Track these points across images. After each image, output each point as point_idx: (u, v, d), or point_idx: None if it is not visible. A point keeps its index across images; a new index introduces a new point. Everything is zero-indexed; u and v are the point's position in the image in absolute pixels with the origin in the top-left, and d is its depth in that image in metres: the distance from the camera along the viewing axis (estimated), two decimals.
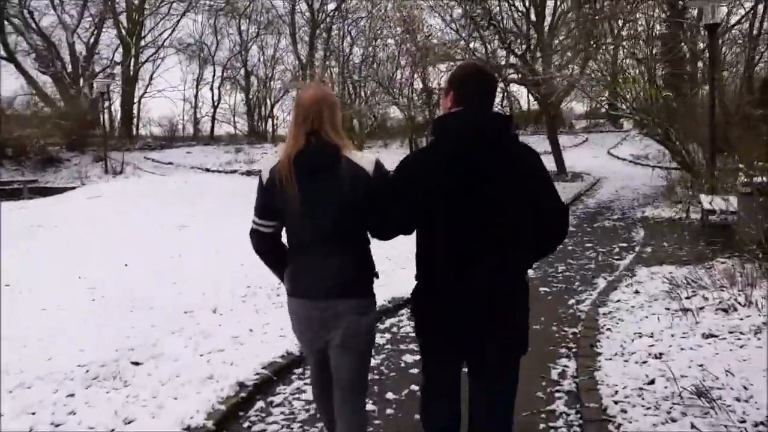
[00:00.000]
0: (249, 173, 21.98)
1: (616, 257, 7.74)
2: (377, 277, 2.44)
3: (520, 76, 19.66)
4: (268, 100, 33.10)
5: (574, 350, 4.46)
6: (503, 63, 20.08)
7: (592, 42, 16.67)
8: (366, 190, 2.25)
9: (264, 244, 2.44)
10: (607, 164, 21.66)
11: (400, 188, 2.23)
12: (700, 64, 16.14)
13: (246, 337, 4.70)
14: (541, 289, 6.26)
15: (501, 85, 28.24)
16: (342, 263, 2.31)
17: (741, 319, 4.58)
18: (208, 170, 22.29)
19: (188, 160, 24.02)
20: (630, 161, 21.85)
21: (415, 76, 18.48)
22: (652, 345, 4.33)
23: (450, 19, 19.25)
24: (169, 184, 16.82)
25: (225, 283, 6.40)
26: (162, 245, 8.81)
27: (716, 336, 4.35)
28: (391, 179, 2.28)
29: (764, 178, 6.86)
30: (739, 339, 4.25)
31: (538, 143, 27.27)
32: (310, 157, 2.26)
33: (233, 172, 21.58)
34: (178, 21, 30.46)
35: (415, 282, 2.32)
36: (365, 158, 2.32)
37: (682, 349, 4.18)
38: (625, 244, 8.56)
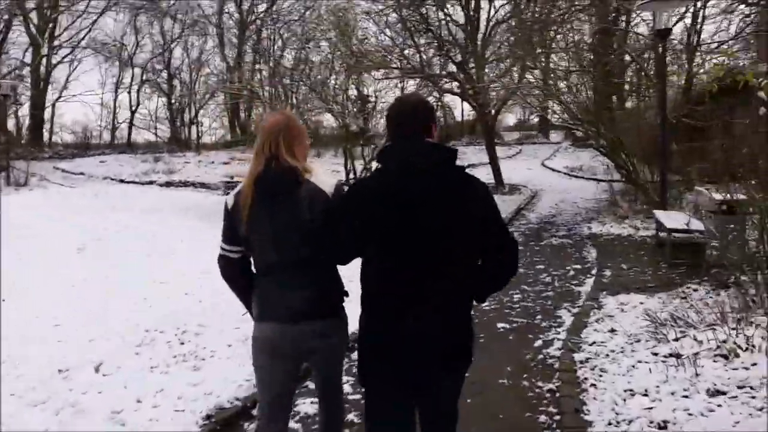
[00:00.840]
0: (169, 184, 20.38)
1: (573, 282, 7.00)
2: (347, 296, 2.47)
3: (457, 84, 19.11)
4: (192, 106, 31.28)
5: (557, 418, 3.57)
6: (440, 72, 19.52)
7: (530, 51, 16.40)
8: (322, 212, 2.27)
9: (231, 270, 2.46)
10: (543, 176, 21.42)
11: (338, 216, 2.23)
12: (630, 72, 16.07)
13: (128, 414, 3.54)
14: (499, 325, 5.38)
15: (435, 94, 27.87)
16: (307, 285, 2.34)
17: (747, 368, 3.82)
18: (122, 181, 20.49)
19: (102, 170, 22.14)
20: (565, 173, 21.69)
21: (350, 82, 17.51)
22: (651, 407, 3.51)
23: (384, 25, 18.50)
24: (75, 197, 15.10)
25: (118, 325, 5.18)
26: (53, 274, 7.40)
27: (724, 393, 3.57)
28: (334, 206, 2.28)
29: (732, 194, 6.30)
30: (753, 397, 3.49)
31: (473, 154, 26.97)
32: (268, 182, 2.30)
33: (151, 183, 19.92)
34: (96, 19, 28.37)
35: (359, 316, 2.27)
36: (326, 181, 2.35)
37: (689, 414, 3.37)
38: (579, 266, 7.86)
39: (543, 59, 17.32)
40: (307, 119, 25.24)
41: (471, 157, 25.94)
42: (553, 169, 22.89)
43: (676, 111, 13.46)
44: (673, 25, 14.80)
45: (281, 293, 2.34)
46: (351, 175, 16.60)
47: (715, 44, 14.85)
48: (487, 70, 19.25)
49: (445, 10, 18.17)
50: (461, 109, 32.45)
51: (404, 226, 2.11)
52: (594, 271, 7.44)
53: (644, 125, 13.47)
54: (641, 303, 5.65)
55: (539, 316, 5.66)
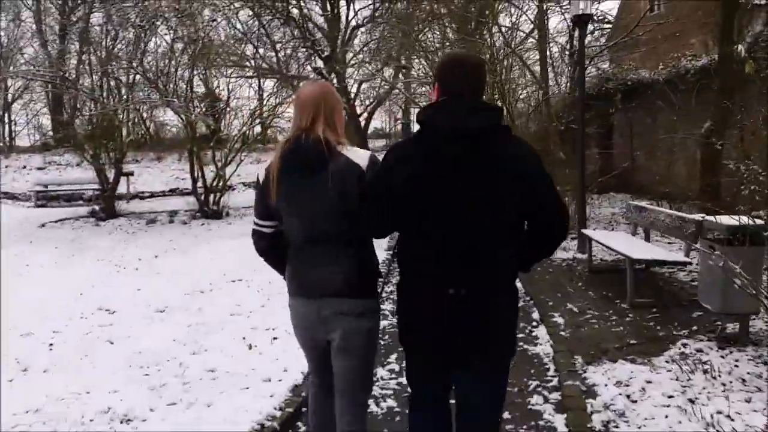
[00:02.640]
0: None
1: (521, 336, 4.98)
2: (381, 277, 2.37)
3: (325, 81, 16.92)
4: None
5: None
6: (300, 71, 17.20)
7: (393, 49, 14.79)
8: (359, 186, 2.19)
9: (264, 245, 2.43)
10: None
11: (374, 187, 2.10)
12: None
13: None
14: None
15: (293, 96, 25.40)
16: (336, 262, 2.25)
17: None
18: None
19: None
20: None
21: (194, 73, 14.56)
22: None
23: (236, 19, 15.77)
24: None
25: None
26: None
27: None
28: (370, 178, 2.17)
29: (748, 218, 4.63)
30: None
31: None
32: (298, 155, 2.23)
33: None
34: None
35: (397, 287, 2.20)
36: (360, 154, 2.26)
37: None
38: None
39: (405, 62, 15.93)
40: (146, 118, 21.70)
41: None
42: None
43: (559, 117, 12.36)
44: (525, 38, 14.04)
45: (310, 268, 2.28)
46: (199, 184, 13.65)
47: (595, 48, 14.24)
48: (352, 70, 17.36)
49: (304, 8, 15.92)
50: None
51: (452, 195, 1.97)
52: (536, 315, 5.50)
53: (530, 131, 12.25)
54: (648, 383, 3.73)
55: (508, 414, 3.50)
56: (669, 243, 7.82)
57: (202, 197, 13.77)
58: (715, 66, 9.75)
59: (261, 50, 16.91)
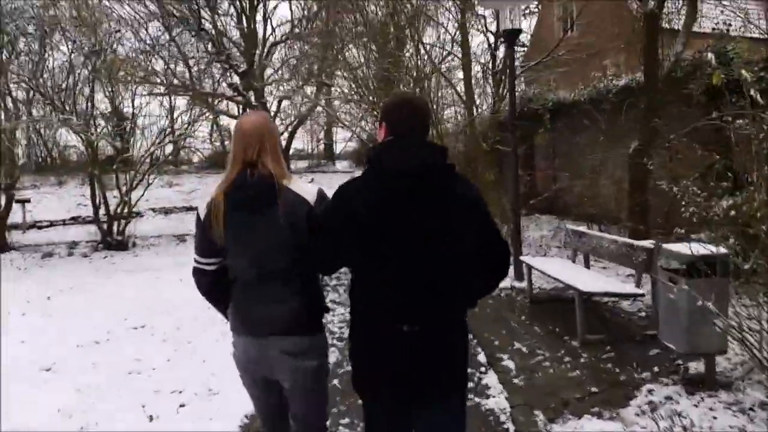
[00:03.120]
0: None
1: (477, 387, 4.41)
2: (327, 311, 2.34)
3: (240, 100, 16.00)
4: None
5: None
6: (215, 88, 16.26)
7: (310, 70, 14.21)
8: (308, 222, 2.17)
9: (206, 283, 2.37)
10: None
11: (324, 223, 2.09)
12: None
13: None
14: None
15: (209, 116, 24.30)
16: (283, 299, 2.20)
17: None
18: None
19: None
20: None
21: (99, 90, 13.33)
22: None
23: (145, 32, 14.64)
24: None
25: None
26: None
27: None
28: (322, 211, 2.16)
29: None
30: None
31: None
32: (245, 192, 2.17)
33: None
34: None
35: (350, 329, 2.18)
36: (307, 188, 2.23)
37: None
38: None
39: (326, 79, 15.39)
40: (47, 140, 19.89)
41: None
42: None
43: (486, 138, 12.16)
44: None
45: (257, 305, 2.22)
46: (101, 210, 12.38)
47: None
48: (272, 87, 16.58)
49: (218, 21, 15.03)
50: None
51: (400, 232, 2.00)
52: (483, 358, 4.96)
53: (459, 152, 11.95)
54: None
55: None
56: (604, 268, 7.57)
57: (105, 226, 12.51)
58: (640, 85, 9.80)
59: (172, 65, 15.87)
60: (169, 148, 15.99)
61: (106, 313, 6.84)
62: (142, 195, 12.80)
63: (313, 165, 29.36)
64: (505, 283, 7.53)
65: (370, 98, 13.62)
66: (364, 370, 2.12)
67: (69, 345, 5.72)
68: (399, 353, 2.00)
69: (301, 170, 27.34)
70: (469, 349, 2.20)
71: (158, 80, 15.45)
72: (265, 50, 16.26)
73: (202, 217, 2.25)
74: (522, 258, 6.89)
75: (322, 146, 33.18)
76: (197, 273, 2.35)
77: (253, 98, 15.34)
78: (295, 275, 2.21)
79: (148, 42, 15.40)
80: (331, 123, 31.05)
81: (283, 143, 16.55)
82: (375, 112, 13.65)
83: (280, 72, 15.24)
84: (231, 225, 2.17)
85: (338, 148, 33.66)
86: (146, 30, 15.14)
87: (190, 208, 20.17)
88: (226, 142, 29.70)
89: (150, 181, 12.82)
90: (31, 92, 12.79)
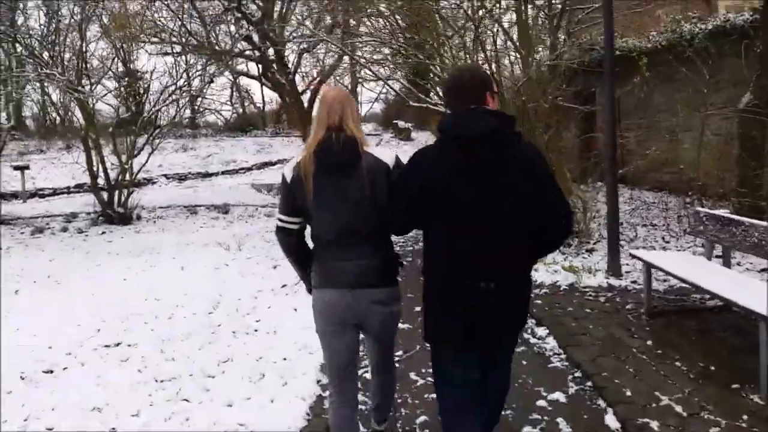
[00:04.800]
0: None
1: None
2: (402, 266, 2.55)
3: (258, 61, 14.13)
4: None
5: None
6: (232, 45, 14.37)
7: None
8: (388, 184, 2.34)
9: (291, 241, 2.50)
10: None
11: (400, 187, 2.29)
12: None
13: None
14: None
15: (229, 76, 22.43)
16: (366, 255, 2.39)
17: None
18: None
19: None
20: None
21: (92, 40, 11.58)
22: None
23: None
24: None
25: None
26: None
27: None
28: (398, 175, 2.33)
29: None
30: None
31: (283, 148, 22.09)
32: (332, 153, 2.31)
33: None
34: None
35: (424, 287, 2.34)
36: (386, 153, 2.42)
37: None
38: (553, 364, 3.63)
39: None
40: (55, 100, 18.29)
41: (281, 151, 21.04)
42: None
43: (542, 92, 10.13)
44: None
45: (341, 262, 2.38)
46: (101, 179, 10.78)
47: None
48: (290, 41, 14.62)
49: None
50: (261, 94, 27.34)
51: (466, 195, 2.15)
52: (613, 422, 3.19)
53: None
54: None
55: None
56: (747, 269, 5.74)
57: (106, 196, 10.93)
58: (755, 23, 7.73)
59: (179, 20, 13.97)
60: (182, 113, 14.27)
61: (77, 320, 5.23)
62: (146, 162, 11.17)
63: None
64: (597, 279, 5.73)
65: (401, 51, 11.72)
66: (443, 324, 2.28)
67: (11, 374, 4.09)
68: (477, 308, 2.19)
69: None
70: (530, 297, 2.39)
71: (174, 39, 13.58)
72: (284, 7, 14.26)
73: (288, 179, 2.38)
74: (634, 252, 5.02)
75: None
76: (281, 232, 2.47)
77: (270, 51, 13.47)
78: (375, 233, 2.40)
79: None
80: (356, 83, 29.04)
81: (305, 104, 14.64)
82: (405, 67, 11.77)
83: (300, 20, 13.26)
84: (317, 186, 2.31)
85: (363, 110, 31.57)
86: None
87: (207, 175, 18.59)
88: (247, 104, 27.90)
89: (154, 147, 11.15)
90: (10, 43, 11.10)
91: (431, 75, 12.60)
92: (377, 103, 29.50)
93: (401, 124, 23.86)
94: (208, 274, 6.81)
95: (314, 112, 2.43)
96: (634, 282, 5.67)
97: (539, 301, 5.29)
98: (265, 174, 18.09)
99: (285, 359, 4.16)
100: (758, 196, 7.10)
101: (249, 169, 18.93)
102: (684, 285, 4.59)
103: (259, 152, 20.97)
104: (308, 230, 2.50)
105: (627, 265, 6.08)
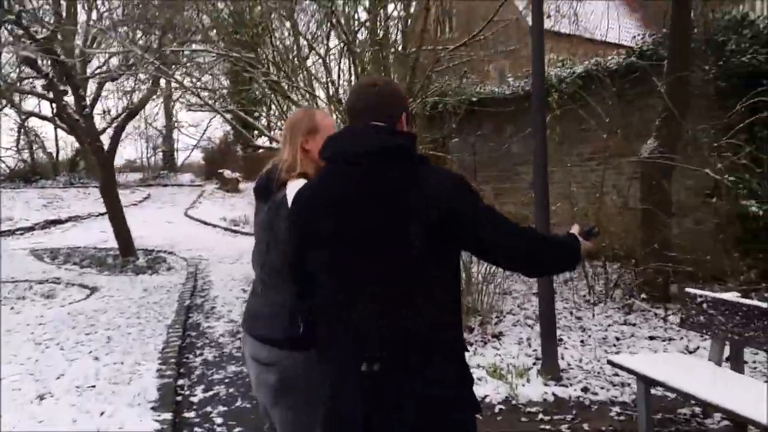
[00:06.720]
0: None
1: None
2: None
3: (51, 98, 11.02)
4: None
5: None
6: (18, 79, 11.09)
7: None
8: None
9: None
10: (191, 233, 14.61)
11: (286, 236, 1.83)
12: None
13: None
14: None
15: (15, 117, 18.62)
16: (269, 301, 1.98)
17: None
18: None
19: None
20: (225, 228, 15.32)
21: None
22: None
23: None
24: None
25: None
26: None
27: None
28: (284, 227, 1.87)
29: None
30: None
31: (77, 201, 18.34)
32: (257, 182, 2.08)
33: None
34: None
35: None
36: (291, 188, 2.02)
37: None
38: None
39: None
40: None
41: (74, 205, 17.40)
42: (205, 222, 16.25)
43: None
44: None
45: (252, 301, 2.05)
46: None
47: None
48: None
49: None
50: (55, 137, 23.09)
51: (335, 240, 1.59)
52: None
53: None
54: None
55: None
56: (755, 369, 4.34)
57: None
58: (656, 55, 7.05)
59: None
60: None
61: None
62: None
63: (149, 177, 23.98)
64: (537, 388, 4.08)
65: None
66: (324, 416, 1.65)
67: None
68: (355, 399, 1.53)
69: (133, 184, 21.95)
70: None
71: None
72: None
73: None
74: (617, 361, 3.39)
75: (160, 155, 27.65)
76: None
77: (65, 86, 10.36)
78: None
79: None
80: (172, 127, 25.92)
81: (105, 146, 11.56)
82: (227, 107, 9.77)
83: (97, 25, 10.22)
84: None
85: (180, 159, 28.37)
86: None
87: None
88: (36, 147, 23.25)
89: None
90: None
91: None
92: (196, 150, 26.62)
93: (228, 173, 21.35)
94: None
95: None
96: (585, 390, 4.07)
97: None
98: (51, 236, 14.43)
99: None
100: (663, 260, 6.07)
101: (30, 229, 15.05)
102: (669, 394, 3.07)
103: (46, 207, 17.05)
104: None
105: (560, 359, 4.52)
